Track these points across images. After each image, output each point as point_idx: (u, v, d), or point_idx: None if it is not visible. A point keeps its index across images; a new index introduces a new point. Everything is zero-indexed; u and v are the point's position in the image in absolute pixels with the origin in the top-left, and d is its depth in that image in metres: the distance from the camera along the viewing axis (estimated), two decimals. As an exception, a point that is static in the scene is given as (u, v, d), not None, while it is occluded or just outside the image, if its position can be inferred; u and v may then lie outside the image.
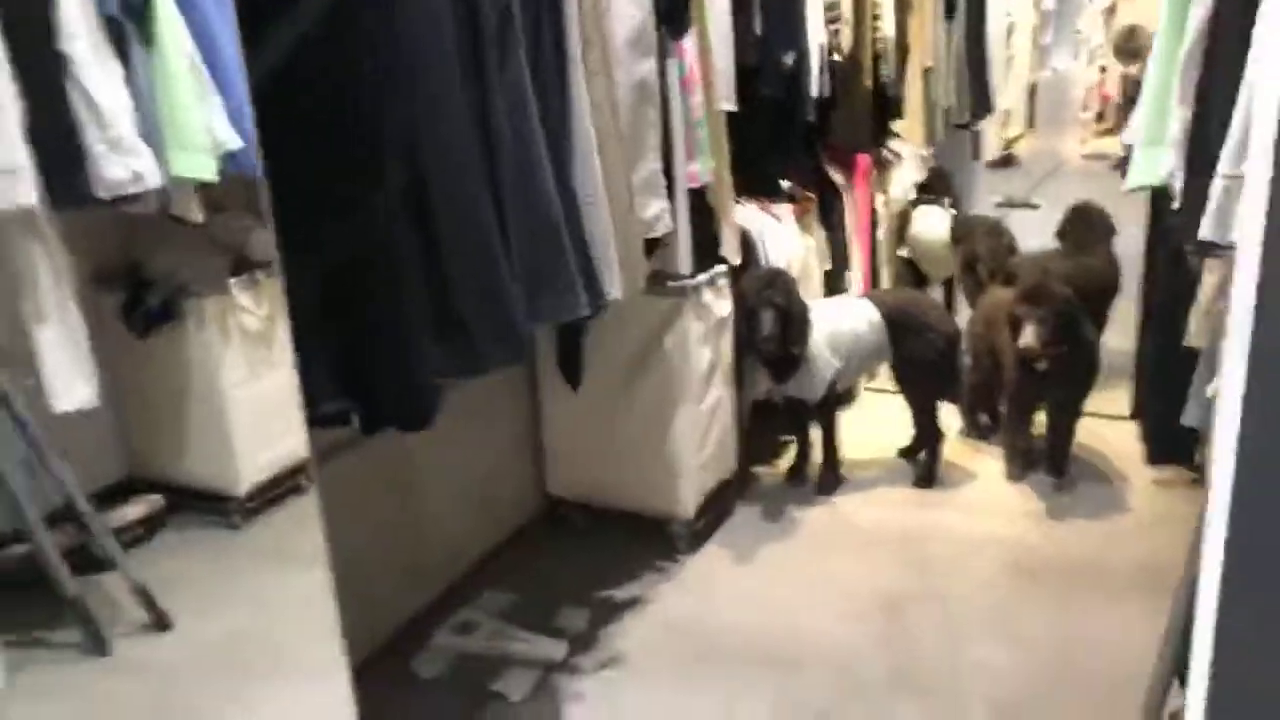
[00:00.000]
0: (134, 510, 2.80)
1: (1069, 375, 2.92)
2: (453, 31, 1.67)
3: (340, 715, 2.02)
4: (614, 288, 2.10)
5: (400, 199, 1.67)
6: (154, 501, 2.95)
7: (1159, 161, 1.90)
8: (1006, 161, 8.07)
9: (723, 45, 2.65)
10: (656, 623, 2.52)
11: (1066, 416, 3.05)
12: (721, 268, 2.79)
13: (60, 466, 2.51)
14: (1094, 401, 3.08)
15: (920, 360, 3.09)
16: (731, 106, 2.70)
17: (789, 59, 3.00)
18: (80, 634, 2.39)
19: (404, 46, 1.63)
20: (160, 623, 2.45)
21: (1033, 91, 8.49)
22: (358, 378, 1.68)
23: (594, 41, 2.03)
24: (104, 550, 2.55)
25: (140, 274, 3.00)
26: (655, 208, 2.32)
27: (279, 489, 3.02)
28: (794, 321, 2.83)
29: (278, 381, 3.05)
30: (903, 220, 4.49)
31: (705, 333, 2.74)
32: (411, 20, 1.63)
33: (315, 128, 1.66)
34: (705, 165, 2.57)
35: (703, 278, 2.69)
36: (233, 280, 2.93)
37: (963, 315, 4.46)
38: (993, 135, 8.09)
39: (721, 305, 2.81)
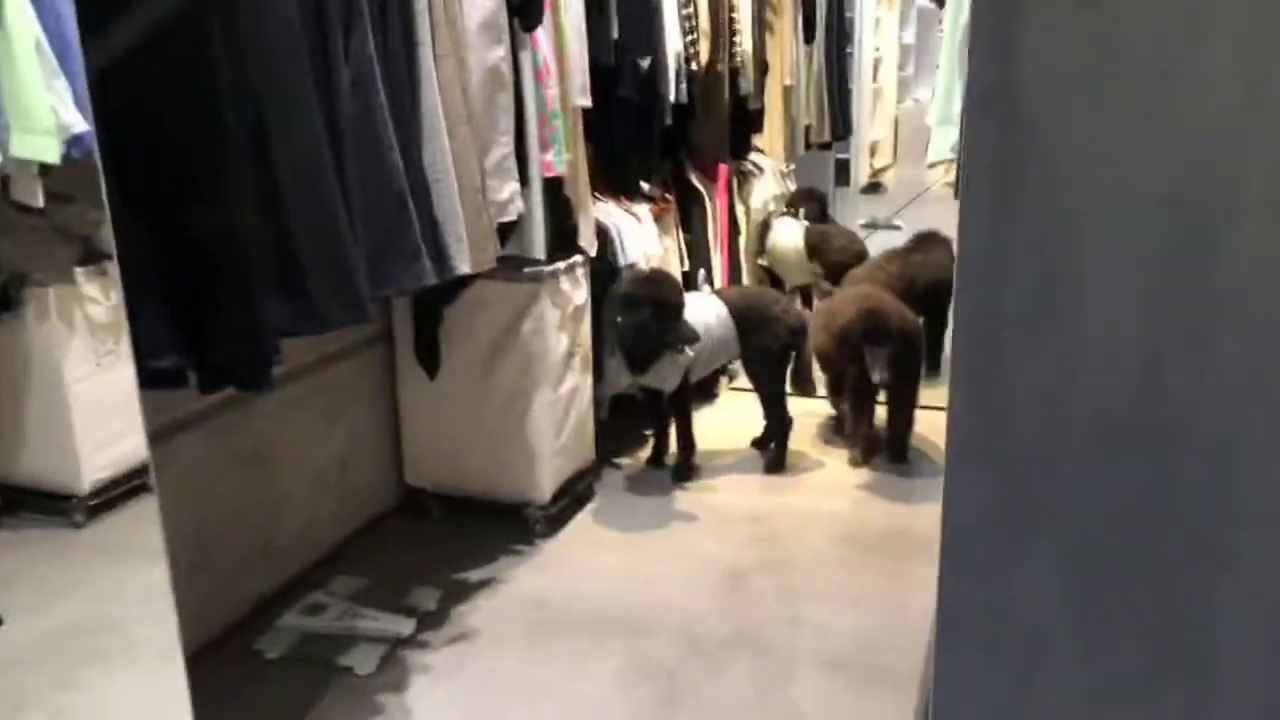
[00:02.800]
0: (-36, 506, 2.68)
1: (903, 373, 3.14)
2: (298, 15, 1.71)
3: (176, 700, 1.99)
4: (462, 262, 2.16)
5: (243, 162, 1.70)
6: (-12, 498, 2.82)
7: (949, 138, 2.10)
8: (875, 188, 8.53)
9: (578, 43, 2.76)
10: (508, 599, 2.57)
11: (902, 408, 3.27)
12: (579, 258, 2.89)
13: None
14: (936, 395, 3.30)
15: (766, 352, 3.26)
16: (586, 102, 2.81)
17: (645, 63, 3.14)
18: None
19: (250, 13, 1.67)
20: (-11, 618, 2.36)
21: (897, 124, 9.00)
22: (195, 336, 1.68)
23: (443, 24, 2.10)
24: None
25: (-22, 264, 2.89)
26: (507, 191, 2.40)
27: (124, 487, 2.94)
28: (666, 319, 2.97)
29: (125, 375, 2.98)
30: (762, 230, 4.70)
31: (562, 319, 2.82)
32: (262, 7, 1.67)
33: (161, 92, 1.68)
34: (560, 156, 2.66)
35: (560, 265, 2.78)
36: (79, 270, 2.86)
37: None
38: (863, 164, 8.54)
39: (579, 294, 2.90)
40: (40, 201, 2.80)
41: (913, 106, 9.31)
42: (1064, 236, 0.94)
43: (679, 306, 2.97)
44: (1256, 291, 0.89)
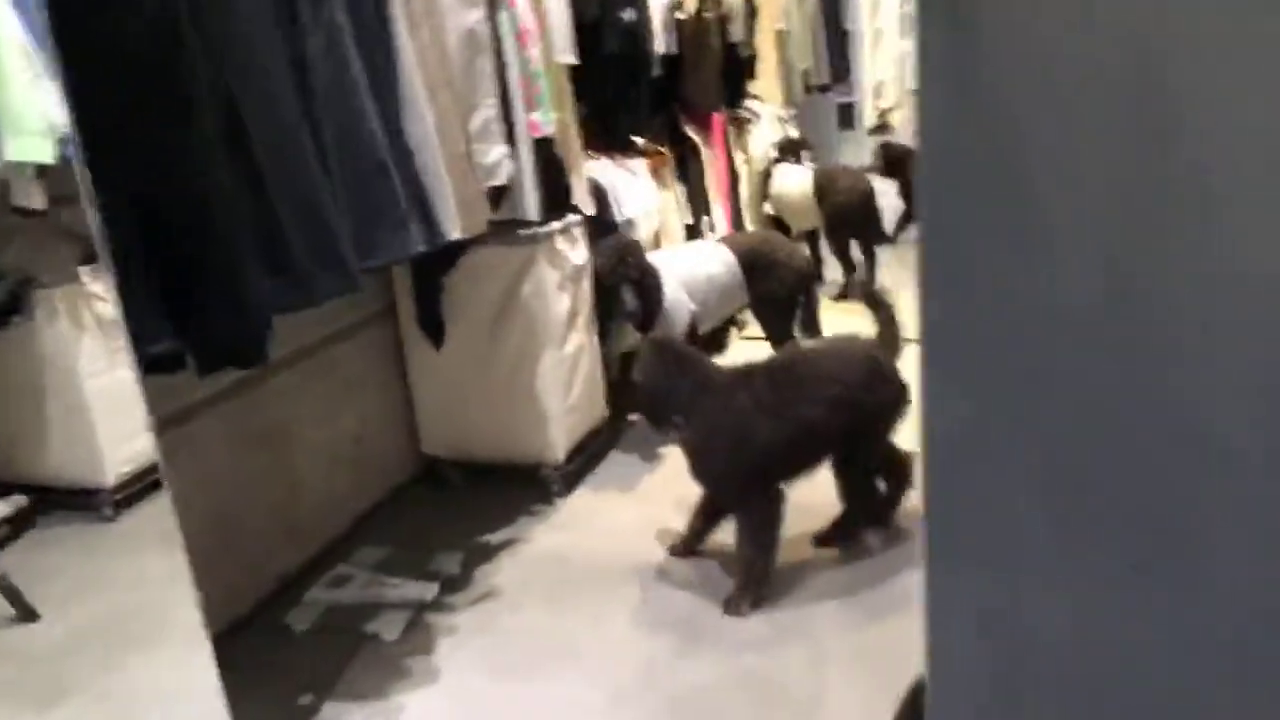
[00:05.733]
0: (0, 508, 2.76)
1: None
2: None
3: (207, 676, 2.04)
4: (452, 228, 2.17)
5: (218, 138, 1.70)
6: (17, 501, 2.90)
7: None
8: (882, 129, 8.42)
9: (558, 0, 2.74)
10: (529, 558, 2.60)
11: None
12: (575, 217, 2.89)
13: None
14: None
15: (774, 297, 3.25)
16: (571, 59, 2.79)
17: (628, 15, 3.11)
18: None
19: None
20: (27, 614, 2.44)
21: (904, 63, 8.86)
22: (189, 320, 1.70)
23: (415, -9, 2.09)
24: None
25: (-15, 270, 2.93)
26: (494, 154, 2.40)
27: (149, 478, 3.00)
28: (649, 290, 2.96)
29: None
30: (765, 177, 4.66)
31: (562, 280, 2.83)
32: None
33: (129, 78, 1.68)
34: (547, 116, 2.65)
35: (555, 225, 2.78)
36: (83, 269, 2.90)
37: (831, 268, 4.68)
38: (868, 105, 8.43)
39: (577, 253, 2.91)
40: (41, 204, 2.84)
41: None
42: (1024, 132, 0.93)
43: (655, 275, 2.97)
44: (1215, 176, 0.88)
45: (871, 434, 2.38)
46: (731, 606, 2.26)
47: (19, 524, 2.76)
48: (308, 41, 1.77)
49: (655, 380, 2.33)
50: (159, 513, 2.96)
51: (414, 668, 2.20)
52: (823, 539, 2.49)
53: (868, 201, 4.52)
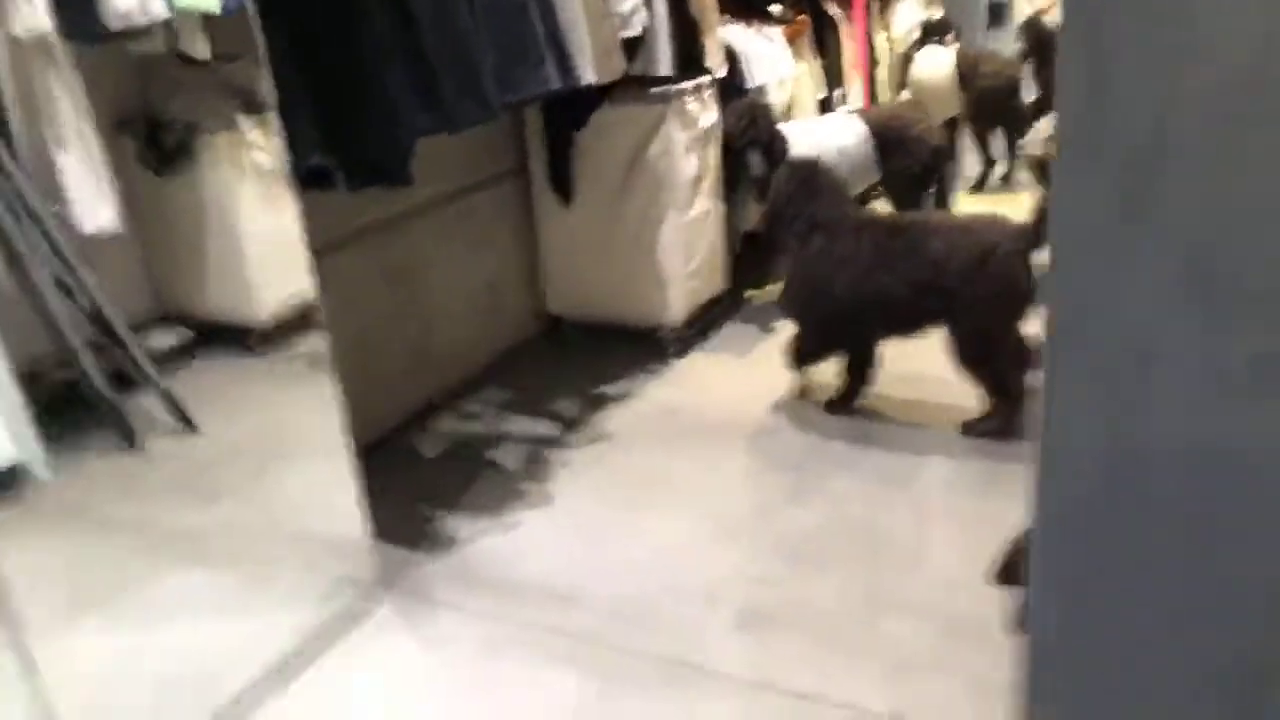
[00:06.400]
0: (164, 339, 3.02)
1: None
2: None
3: (346, 485, 2.20)
4: (587, 71, 2.20)
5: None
6: (183, 333, 3.16)
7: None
8: (1033, 27, 7.92)
9: None
10: (643, 410, 2.69)
11: None
12: (705, 78, 2.87)
13: (95, 287, 2.70)
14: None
15: (905, 172, 3.17)
16: (710, -89, 2.74)
17: None
18: (115, 435, 2.63)
19: None
20: (188, 425, 2.67)
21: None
22: (341, 140, 1.80)
23: None
24: (137, 371, 2.77)
25: (155, 117, 3.15)
26: (630, 2, 2.40)
27: (297, 319, 3.22)
28: (777, 155, 2.93)
29: (289, 218, 3.24)
30: (905, 61, 4.48)
31: (690, 141, 2.83)
32: None
33: None
34: (684, -32, 2.62)
35: (686, 85, 2.77)
36: (243, 118, 3.07)
37: (970, 158, 4.50)
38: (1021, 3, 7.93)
39: (707, 116, 2.89)
40: (206, 53, 3.01)
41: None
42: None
43: (782, 140, 2.93)
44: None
45: (971, 324, 2.28)
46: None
47: (182, 354, 3.02)
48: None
49: (781, 200, 2.41)
50: (306, 348, 3.20)
51: (531, 492, 2.33)
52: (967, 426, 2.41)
53: (1014, 88, 4.30)
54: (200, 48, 2.93)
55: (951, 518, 2.11)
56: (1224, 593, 1.06)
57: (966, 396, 2.42)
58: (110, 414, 2.64)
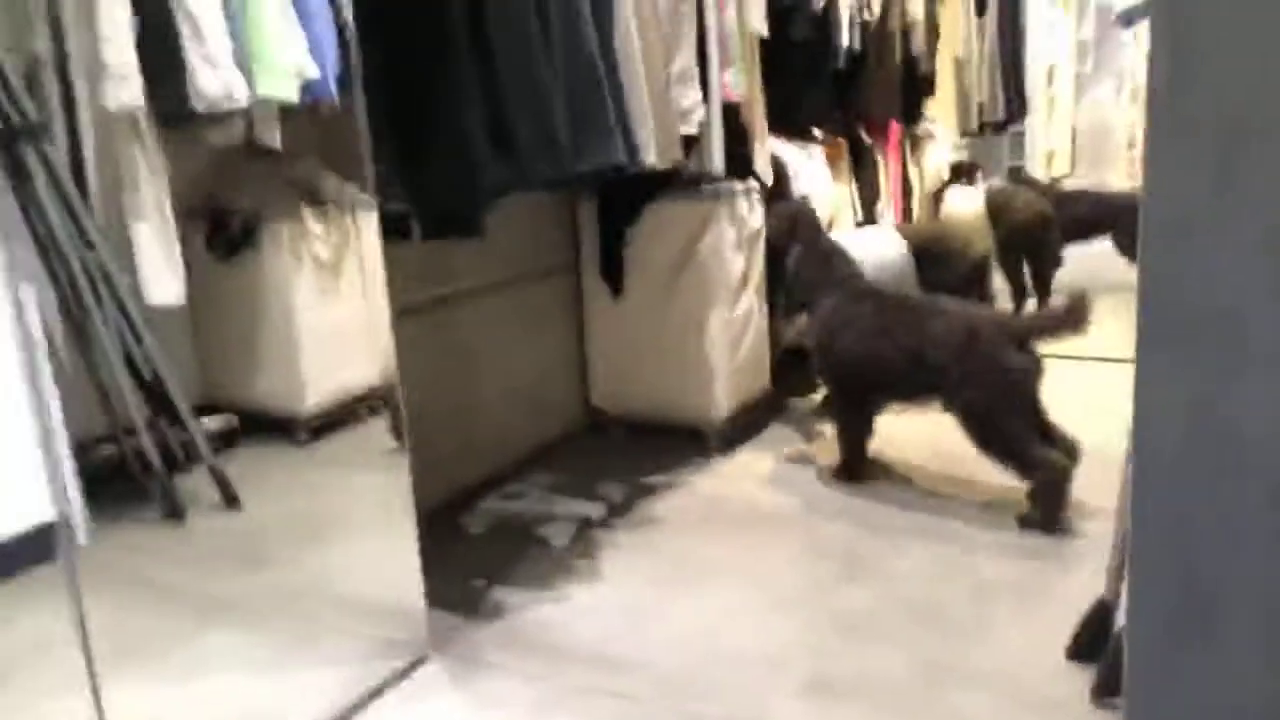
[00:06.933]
0: (212, 424, 3.06)
1: None
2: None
3: (399, 553, 2.18)
4: (649, 153, 2.32)
5: (466, 45, 1.92)
6: (229, 419, 3.21)
7: None
8: (1052, 188, 8.26)
9: (755, -26, 2.90)
10: (688, 496, 2.67)
11: None
12: (754, 183, 3.00)
13: (162, 361, 2.77)
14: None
15: (944, 286, 3.24)
16: (763, 29, 2.93)
17: (819, 4, 3.25)
18: (160, 509, 2.63)
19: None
20: (232, 501, 2.68)
21: (1074, 136, 8.69)
22: (420, 187, 1.90)
23: (635, -67, 2.29)
24: (189, 449, 2.80)
25: (222, 205, 3.32)
26: (690, 99, 2.55)
27: (342, 414, 3.27)
28: (821, 250, 3.02)
29: (344, 312, 3.34)
30: (936, 199, 4.67)
31: (739, 240, 2.93)
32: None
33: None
34: (737, 80, 2.80)
35: (737, 185, 2.90)
36: (307, 209, 3.23)
37: (1001, 294, 4.60)
38: (1040, 173, 8.31)
39: (754, 218, 3.01)
40: (278, 142, 3.19)
41: (1091, 106, 8.95)
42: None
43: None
44: None
45: (962, 401, 2.36)
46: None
47: (227, 440, 3.05)
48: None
49: (799, 272, 2.74)
50: (350, 441, 3.22)
51: (580, 568, 2.29)
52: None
53: (1045, 222, 4.45)
54: (274, 137, 3.11)
55: (1012, 597, 2.05)
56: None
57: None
58: (159, 489, 2.65)
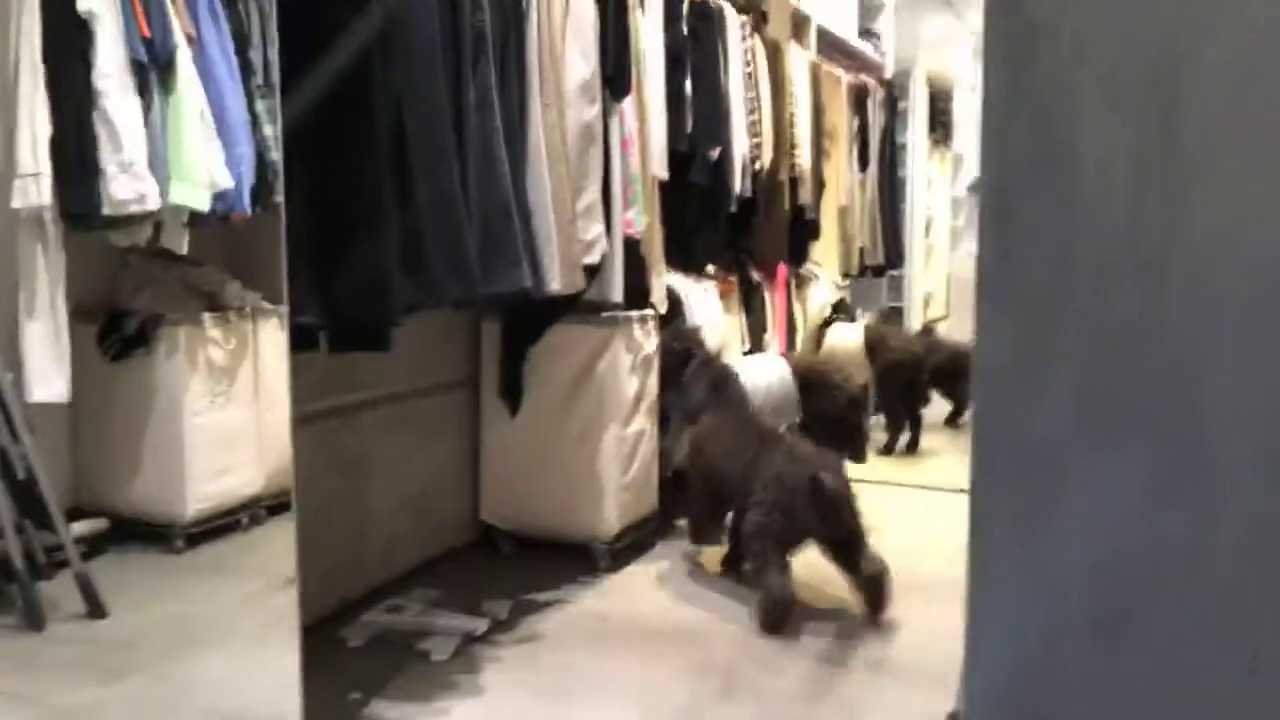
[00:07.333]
0: (81, 528, 2.97)
1: None
2: (439, 40, 2.10)
3: (272, 667, 2.15)
4: (554, 280, 2.45)
5: (386, 161, 2.03)
6: (98, 523, 3.12)
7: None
8: (927, 333, 8.80)
9: (658, 122, 3.15)
10: (574, 613, 2.70)
11: None
12: (650, 311, 3.17)
13: (36, 462, 2.69)
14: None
15: (825, 416, 3.44)
16: (663, 174, 3.17)
17: (714, 154, 3.52)
18: (17, 617, 2.53)
19: (402, 47, 2.04)
20: (97, 610, 2.59)
21: (949, 283, 9.36)
22: (330, 300, 1.97)
23: (549, 80, 2.49)
24: (50, 556, 2.71)
25: (118, 307, 3.29)
26: (594, 232, 2.72)
27: (222, 521, 3.21)
28: (716, 371, 3.20)
29: (234, 416, 3.33)
30: (819, 333, 4.96)
31: (634, 364, 3.07)
32: (411, 28, 2.05)
33: (329, 108, 2.03)
34: (640, 217, 2.99)
35: (634, 313, 3.06)
36: (207, 315, 3.24)
37: (876, 421, 4.88)
38: (916, 315, 8.86)
39: (649, 344, 3.16)
40: (185, 249, 3.21)
41: (965, 258, 9.66)
42: (1064, 105, 1.19)
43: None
44: (1222, 141, 1.13)
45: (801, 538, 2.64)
46: None
47: (96, 545, 2.94)
48: (466, 96, 2.13)
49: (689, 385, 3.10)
50: (229, 550, 3.16)
51: (460, 683, 2.28)
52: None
53: (918, 363, 4.77)
54: (181, 243, 3.13)
55: (876, 712, 2.15)
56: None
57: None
58: (20, 595, 2.54)
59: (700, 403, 2.99)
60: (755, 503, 2.62)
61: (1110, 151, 1.16)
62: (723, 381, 3.03)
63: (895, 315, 7.73)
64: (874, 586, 2.56)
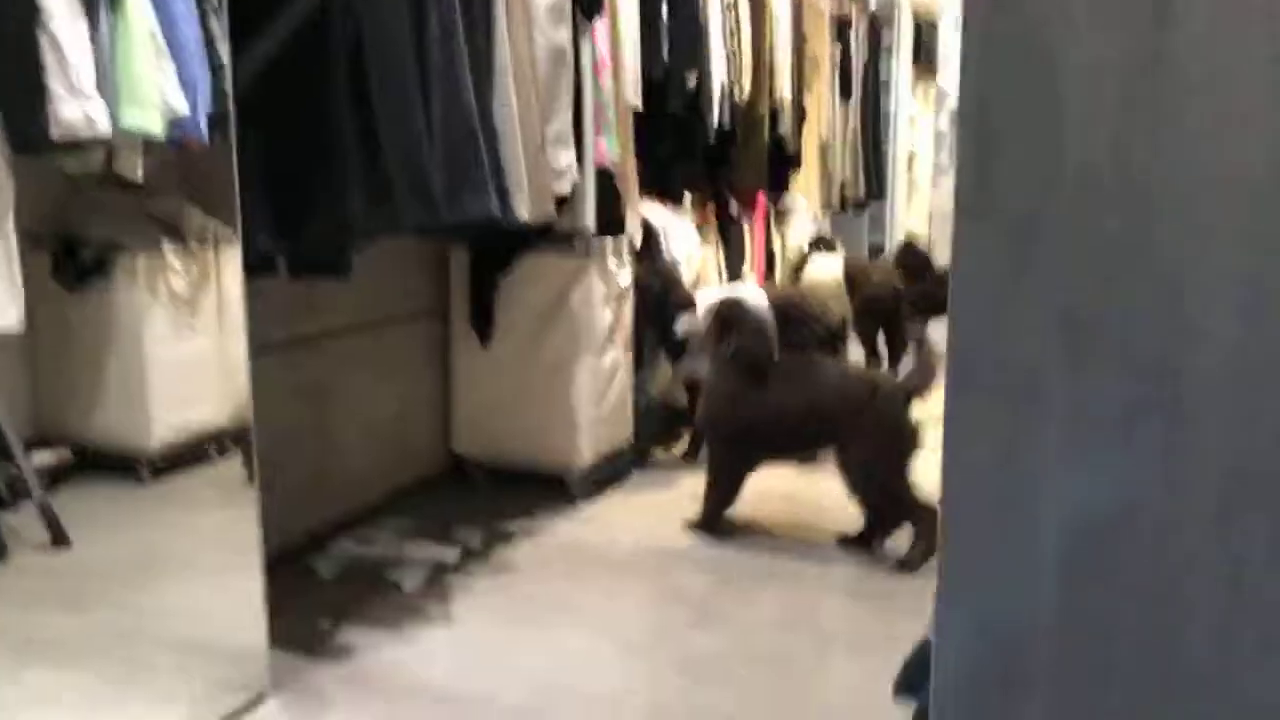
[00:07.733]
0: (43, 458, 2.91)
1: None
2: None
3: (240, 596, 2.13)
4: (522, 209, 2.39)
5: (346, 90, 1.96)
6: (62, 453, 3.06)
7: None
8: (909, 250, 8.76)
9: (632, 48, 3.05)
10: (548, 542, 2.70)
11: None
12: (625, 241, 3.11)
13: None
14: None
15: (802, 347, 3.41)
16: (637, 102, 3.08)
17: (691, 79, 3.43)
18: None
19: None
20: (60, 539, 2.55)
21: (930, 218, 9.30)
22: (288, 225, 1.91)
23: (517, 2, 2.39)
24: (12, 487, 2.66)
25: (74, 235, 3.19)
26: (565, 160, 2.65)
27: (189, 452, 3.16)
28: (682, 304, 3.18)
29: (199, 348, 3.25)
30: (798, 268, 4.92)
31: (608, 295, 3.03)
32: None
33: (287, 42, 1.94)
34: (612, 145, 2.92)
35: (609, 241, 3.00)
36: (167, 243, 3.15)
37: (854, 352, 4.86)
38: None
39: (623, 275, 3.12)
40: (140, 176, 3.10)
41: (947, 194, 9.58)
42: (1050, 16, 1.13)
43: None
44: (1212, 56, 1.08)
45: (858, 453, 2.56)
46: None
47: (58, 476, 2.90)
48: (429, 22, 2.04)
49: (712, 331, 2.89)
50: (194, 481, 3.11)
51: (430, 611, 2.28)
52: (842, 540, 2.64)
53: (896, 295, 4.74)
54: (135, 170, 3.02)
55: (854, 646, 2.16)
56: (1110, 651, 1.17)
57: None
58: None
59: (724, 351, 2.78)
60: (863, 432, 2.51)
61: (1097, 63, 1.11)
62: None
63: (876, 254, 7.68)
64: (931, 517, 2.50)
